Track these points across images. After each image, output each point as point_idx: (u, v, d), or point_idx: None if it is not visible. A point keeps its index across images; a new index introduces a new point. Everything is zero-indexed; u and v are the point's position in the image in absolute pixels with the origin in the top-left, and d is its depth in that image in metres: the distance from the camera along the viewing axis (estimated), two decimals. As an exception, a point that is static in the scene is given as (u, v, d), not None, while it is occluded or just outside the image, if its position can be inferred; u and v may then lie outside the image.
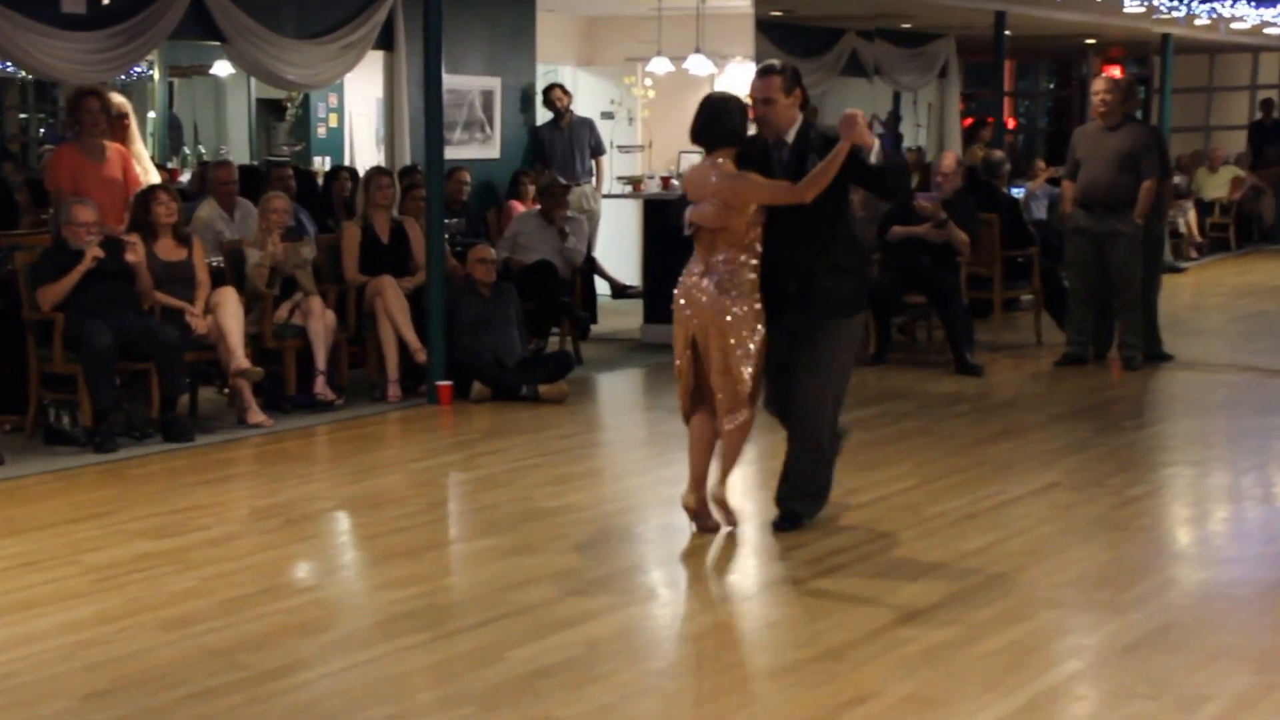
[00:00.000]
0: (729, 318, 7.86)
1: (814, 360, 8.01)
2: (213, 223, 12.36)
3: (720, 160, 7.93)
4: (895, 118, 20.67)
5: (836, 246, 8.02)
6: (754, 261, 7.89)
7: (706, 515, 8.21)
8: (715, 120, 8.00)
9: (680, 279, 8.07)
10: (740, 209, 7.82)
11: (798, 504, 8.25)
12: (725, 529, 8.19)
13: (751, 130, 8.07)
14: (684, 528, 8.28)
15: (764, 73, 8.00)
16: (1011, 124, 28.36)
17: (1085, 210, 13.27)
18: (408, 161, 15.36)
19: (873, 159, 7.71)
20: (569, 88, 18.07)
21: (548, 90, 17.52)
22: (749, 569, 7.74)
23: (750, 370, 7.92)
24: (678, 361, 8.07)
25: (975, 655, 6.26)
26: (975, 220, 13.59)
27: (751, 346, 7.90)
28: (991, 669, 6.11)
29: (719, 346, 7.90)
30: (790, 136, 7.99)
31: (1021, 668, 6.13)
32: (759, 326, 7.90)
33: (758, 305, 7.91)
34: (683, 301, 8.02)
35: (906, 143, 21.24)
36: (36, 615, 6.82)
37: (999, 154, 16.00)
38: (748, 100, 8.08)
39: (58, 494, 9.13)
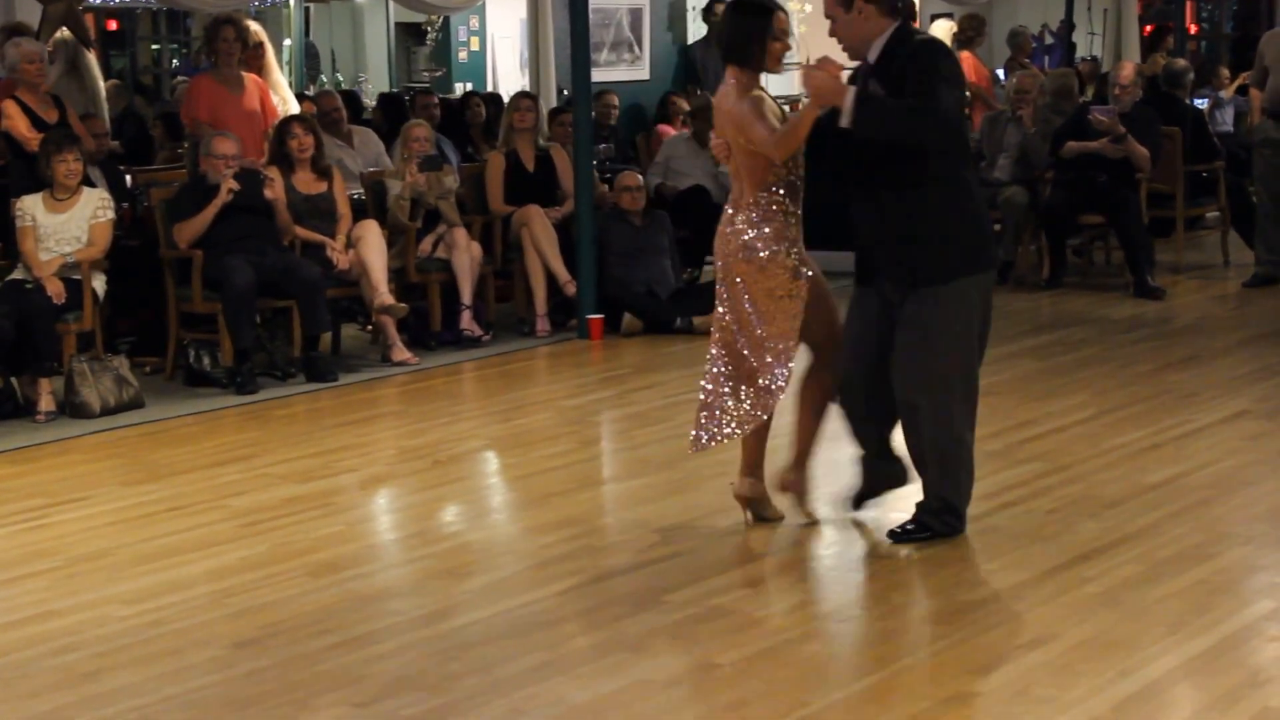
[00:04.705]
0: (761, 255, 6.76)
1: (912, 338, 6.67)
2: (330, 152, 12.47)
3: (732, 81, 6.81)
4: (1068, 26, 20.30)
5: (919, 192, 6.54)
6: (790, 208, 6.72)
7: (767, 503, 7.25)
8: (726, 26, 7.00)
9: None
10: (745, 145, 6.69)
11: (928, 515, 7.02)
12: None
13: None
14: (850, 464, 8.29)
15: None
16: (1193, 29, 27.82)
17: (1275, 120, 13.06)
18: (553, 85, 15.41)
19: (844, 121, 6.41)
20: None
21: (710, 5, 17.35)
22: (917, 507, 7.71)
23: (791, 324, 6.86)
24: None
25: (1159, 595, 6.22)
26: (1156, 134, 13.39)
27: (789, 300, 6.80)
28: (1176, 610, 6.06)
29: (761, 294, 6.83)
30: (873, 54, 6.59)
31: (1208, 608, 6.08)
32: (797, 281, 6.81)
33: (793, 258, 6.79)
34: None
35: (1081, 52, 20.88)
36: (183, 562, 6.98)
37: (1181, 63, 15.74)
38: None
39: (200, 437, 9.31)
